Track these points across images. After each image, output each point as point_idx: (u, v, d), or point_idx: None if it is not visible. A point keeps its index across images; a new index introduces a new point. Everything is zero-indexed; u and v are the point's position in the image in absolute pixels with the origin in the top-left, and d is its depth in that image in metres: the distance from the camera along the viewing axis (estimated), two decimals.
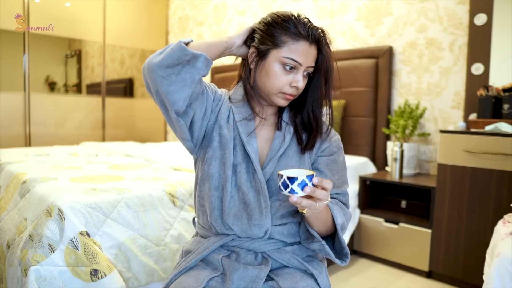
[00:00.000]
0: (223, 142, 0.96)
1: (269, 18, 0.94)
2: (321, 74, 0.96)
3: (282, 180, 0.75)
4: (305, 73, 0.94)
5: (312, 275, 0.93)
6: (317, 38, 0.92)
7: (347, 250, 0.92)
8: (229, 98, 1.02)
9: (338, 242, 0.93)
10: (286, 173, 0.77)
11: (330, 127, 1.02)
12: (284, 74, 0.92)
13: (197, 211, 1.04)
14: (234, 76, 1.07)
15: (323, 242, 0.91)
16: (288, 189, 0.74)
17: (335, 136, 1.03)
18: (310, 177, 0.75)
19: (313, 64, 0.93)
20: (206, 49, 0.89)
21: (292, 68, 0.91)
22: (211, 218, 0.96)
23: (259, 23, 0.96)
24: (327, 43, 0.94)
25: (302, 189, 0.74)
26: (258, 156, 0.96)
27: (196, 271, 0.93)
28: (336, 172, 1.00)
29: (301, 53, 0.90)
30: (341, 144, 1.04)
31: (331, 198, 0.97)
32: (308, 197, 0.77)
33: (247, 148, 0.94)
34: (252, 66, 0.96)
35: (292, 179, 0.74)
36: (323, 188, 0.77)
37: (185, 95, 0.86)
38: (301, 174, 0.77)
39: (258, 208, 0.92)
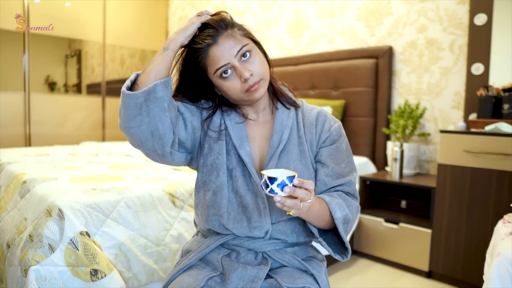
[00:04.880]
0: (215, 149, 0.96)
1: (181, 63, 0.94)
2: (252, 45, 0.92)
3: (263, 179, 0.76)
4: (243, 59, 0.89)
5: (312, 275, 0.93)
6: (217, 34, 0.88)
7: (348, 245, 0.91)
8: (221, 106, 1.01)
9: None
10: (268, 173, 0.77)
11: (302, 102, 1.03)
12: (231, 80, 0.89)
13: (195, 215, 1.05)
14: None
15: (321, 239, 0.91)
16: (268, 189, 0.75)
17: (335, 123, 1.00)
18: (291, 178, 0.75)
19: (239, 47, 0.88)
20: (155, 72, 0.85)
21: (228, 71, 0.88)
22: (210, 224, 0.96)
23: (177, 70, 0.95)
24: (229, 23, 0.90)
25: (282, 190, 0.74)
26: (253, 158, 0.95)
27: (195, 270, 0.93)
28: (342, 160, 0.97)
29: (219, 56, 0.87)
30: (342, 131, 1.00)
31: (335, 190, 0.95)
32: (292, 197, 0.76)
33: (239, 152, 0.94)
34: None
35: (272, 179, 0.74)
36: (306, 189, 0.76)
37: (167, 125, 0.86)
38: (283, 174, 0.77)
39: (256, 210, 0.92)
